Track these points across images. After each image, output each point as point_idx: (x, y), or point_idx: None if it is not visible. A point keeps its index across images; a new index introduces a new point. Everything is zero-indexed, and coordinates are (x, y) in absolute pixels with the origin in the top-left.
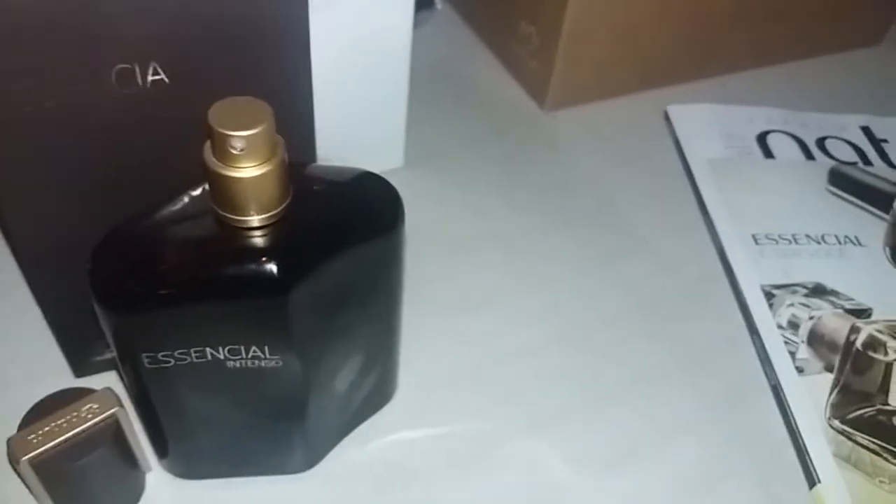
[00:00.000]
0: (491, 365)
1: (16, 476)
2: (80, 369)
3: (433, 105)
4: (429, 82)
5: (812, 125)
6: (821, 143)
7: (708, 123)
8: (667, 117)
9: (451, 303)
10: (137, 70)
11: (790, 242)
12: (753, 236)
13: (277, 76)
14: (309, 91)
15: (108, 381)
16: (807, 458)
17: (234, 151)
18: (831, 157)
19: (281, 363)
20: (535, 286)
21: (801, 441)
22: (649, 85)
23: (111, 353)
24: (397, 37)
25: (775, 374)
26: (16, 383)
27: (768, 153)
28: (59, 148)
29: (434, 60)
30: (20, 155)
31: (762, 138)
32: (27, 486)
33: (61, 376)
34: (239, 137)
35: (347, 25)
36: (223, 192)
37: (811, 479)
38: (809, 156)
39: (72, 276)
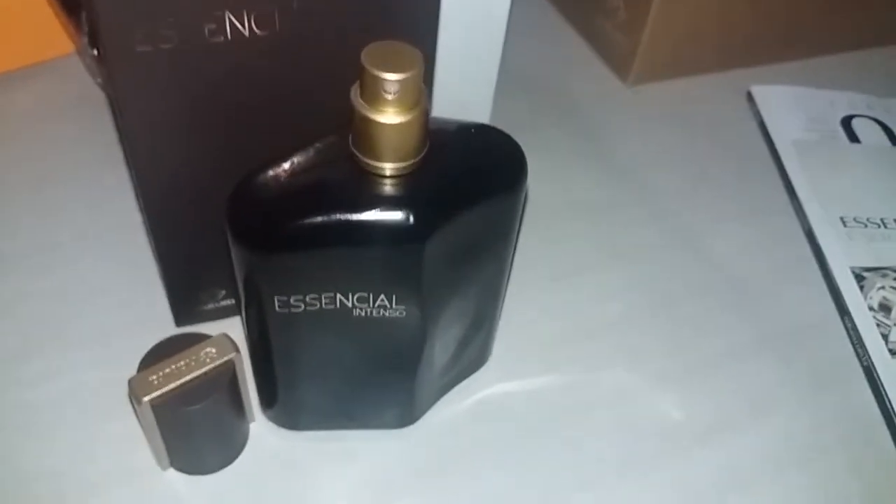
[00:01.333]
0: (579, 334)
1: (119, 416)
2: (182, 318)
3: (515, 80)
4: (509, 57)
5: None
6: None
7: (792, 105)
8: (750, 97)
9: (538, 272)
10: (276, 12)
11: (879, 226)
12: (841, 219)
13: (407, 26)
14: (434, 43)
15: (206, 331)
16: None
17: (388, 96)
18: None
19: (404, 314)
20: (621, 259)
21: None
22: (730, 64)
23: (214, 304)
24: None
25: (868, 356)
26: (116, 330)
27: (853, 137)
28: (193, 87)
29: (514, 34)
30: (155, 93)
31: (846, 122)
32: (141, 427)
33: (161, 325)
34: (393, 81)
35: None
36: (367, 138)
37: None
38: (895, 142)
39: (193, 222)
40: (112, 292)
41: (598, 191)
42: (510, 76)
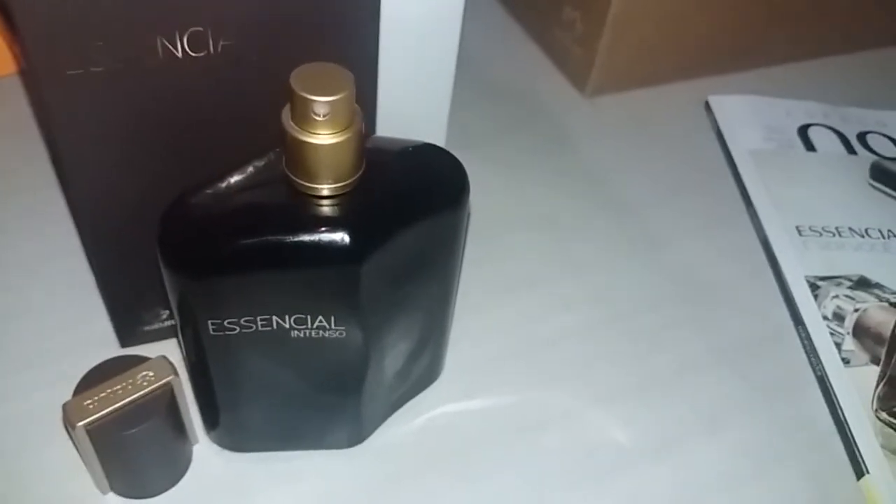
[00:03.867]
0: (534, 348)
1: (59, 441)
2: (125, 339)
3: (473, 91)
4: (468, 68)
5: (852, 120)
6: (862, 137)
7: (749, 115)
8: (708, 107)
9: (493, 285)
10: (210, 34)
11: (834, 235)
12: (797, 228)
13: (346, 46)
14: (375, 63)
15: (152, 351)
16: (855, 448)
17: (317, 118)
18: (873, 151)
19: (344, 334)
20: (577, 271)
21: (848, 432)
22: (689, 75)
23: (158, 324)
24: (449, 14)
25: (821, 365)
26: (59, 351)
27: (810, 146)
28: (125, 110)
29: (473, 47)
30: (86, 116)
31: (803, 131)
32: (79, 452)
33: (106, 346)
34: (322, 103)
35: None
36: (300, 159)
37: (859, 470)
38: (851, 150)
39: (129, 243)
40: (55, 315)
41: (554, 202)
42: (468, 88)
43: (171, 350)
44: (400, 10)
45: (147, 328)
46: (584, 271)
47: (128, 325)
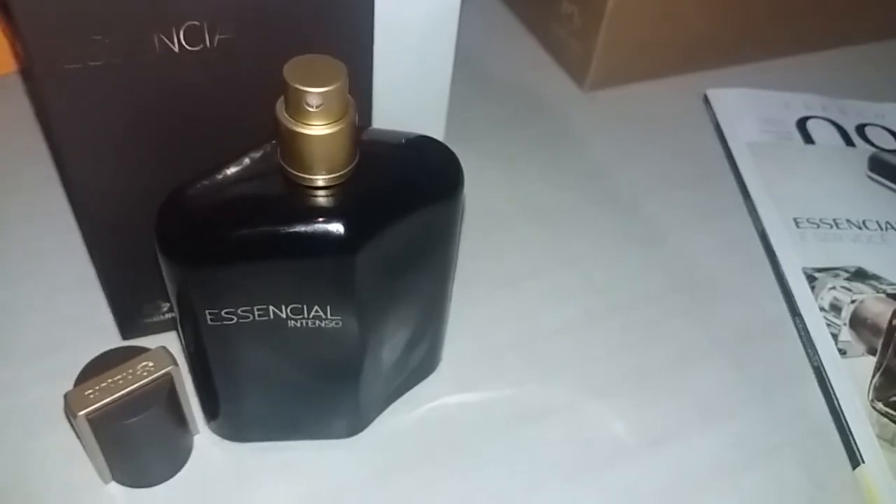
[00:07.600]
0: (532, 340)
1: (62, 431)
2: (127, 331)
3: (472, 85)
4: (467, 63)
5: (851, 112)
6: (860, 129)
7: (747, 108)
8: (706, 100)
9: (491, 279)
10: (205, 28)
11: (831, 227)
12: (795, 220)
13: (341, 38)
14: (370, 55)
15: (153, 343)
16: (850, 438)
17: (310, 108)
18: (871, 144)
19: (341, 324)
20: (575, 264)
21: (844, 422)
22: (687, 68)
23: (159, 316)
24: (447, 9)
25: (818, 356)
26: (62, 344)
27: (808, 139)
28: (123, 104)
29: (472, 41)
30: (85, 110)
31: (801, 124)
32: (81, 442)
33: (107, 339)
34: (315, 94)
35: None
36: (294, 150)
37: (854, 460)
38: (849, 142)
39: (130, 236)
40: (58, 309)
41: (554, 196)
42: (466, 83)
43: (171, 342)
44: (398, 6)
45: (148, 320)
46: (581, 264)
47: (129, 318)
